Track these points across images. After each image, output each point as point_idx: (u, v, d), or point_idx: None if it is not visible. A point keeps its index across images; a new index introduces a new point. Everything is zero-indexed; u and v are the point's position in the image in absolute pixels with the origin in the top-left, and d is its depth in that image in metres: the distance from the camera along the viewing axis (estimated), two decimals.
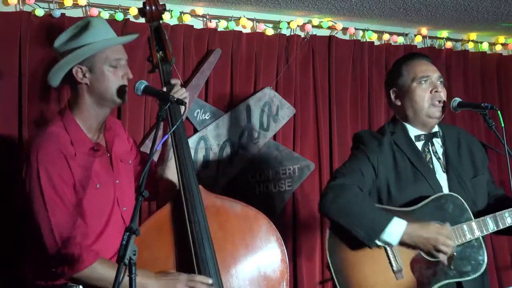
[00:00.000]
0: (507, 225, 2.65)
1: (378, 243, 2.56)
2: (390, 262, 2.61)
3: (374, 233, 2.53)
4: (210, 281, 2.42)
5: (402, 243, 2.57)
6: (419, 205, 2.63)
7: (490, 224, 2.63)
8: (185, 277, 2.40)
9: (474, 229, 2.61)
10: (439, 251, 2.55)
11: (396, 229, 2.53)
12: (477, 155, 2.81)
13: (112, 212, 2.45)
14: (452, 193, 2.66)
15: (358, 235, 2.54)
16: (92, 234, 2.39)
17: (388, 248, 2.61)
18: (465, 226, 2.61)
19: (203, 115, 3.79)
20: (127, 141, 2.67)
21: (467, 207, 2.63)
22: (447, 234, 2.55)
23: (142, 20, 2.86)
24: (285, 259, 2.62)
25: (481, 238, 2.64)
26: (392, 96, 2.81)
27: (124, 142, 2.64)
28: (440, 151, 2.77)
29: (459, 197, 2.64)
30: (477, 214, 2.67)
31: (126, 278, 1.90)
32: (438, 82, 2.72)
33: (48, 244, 2.30)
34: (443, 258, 2.56)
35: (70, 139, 2.40)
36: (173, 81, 2.62)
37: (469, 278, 2.59)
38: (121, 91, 2.44)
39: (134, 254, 1.90)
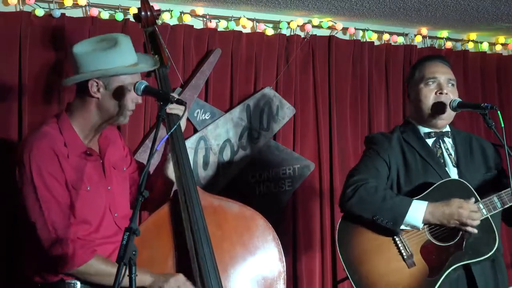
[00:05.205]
0: None
1: (404, 227, 2.62)
2: (400, 251, 2.65)
3: (398, 218, 2.60)
4: None
5: (426, 223, 2.62)
6: (424, 193, 2.66)
7: (497, 203, 2.65)
8: (174, 283, 2.41)
9: (482, 210, 2.64)
10: (465, 225, 2.58)
11: (418, 211, 2.59)
12: (489, 154, 2.85)
13: (104, 218, 2.47)
14: (456, 178, 2.69)
15: (382, 223, 2.61)
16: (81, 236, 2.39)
17: (396, 237, 2.65)
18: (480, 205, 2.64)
19: (203, 115, 3.79)
20: (122, 149, 2.69)
21: (472, 189, 2.66)
22: (471, 208, 2.59)
23: None
24: (282, 258, 2.64)
25: (490, 218, 2.65)
26: (408, 96, 2.92)
27: (119, 149, 2.66)
28: (451, 148, 2.80)
29: (463, 181, 2.67)
30: None
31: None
32: (446, 84, 2.76)
33: (43, 240, 2.32)
34: (471, 230, 2.59)
35: (63, 140, 2.42)
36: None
37: (482, 258, 2.62)
38: (127, 113, 2.48)
39: (134, 254, 1.91)
